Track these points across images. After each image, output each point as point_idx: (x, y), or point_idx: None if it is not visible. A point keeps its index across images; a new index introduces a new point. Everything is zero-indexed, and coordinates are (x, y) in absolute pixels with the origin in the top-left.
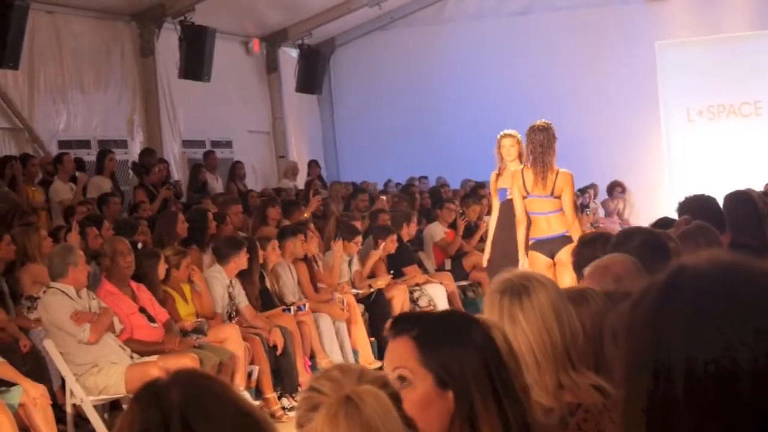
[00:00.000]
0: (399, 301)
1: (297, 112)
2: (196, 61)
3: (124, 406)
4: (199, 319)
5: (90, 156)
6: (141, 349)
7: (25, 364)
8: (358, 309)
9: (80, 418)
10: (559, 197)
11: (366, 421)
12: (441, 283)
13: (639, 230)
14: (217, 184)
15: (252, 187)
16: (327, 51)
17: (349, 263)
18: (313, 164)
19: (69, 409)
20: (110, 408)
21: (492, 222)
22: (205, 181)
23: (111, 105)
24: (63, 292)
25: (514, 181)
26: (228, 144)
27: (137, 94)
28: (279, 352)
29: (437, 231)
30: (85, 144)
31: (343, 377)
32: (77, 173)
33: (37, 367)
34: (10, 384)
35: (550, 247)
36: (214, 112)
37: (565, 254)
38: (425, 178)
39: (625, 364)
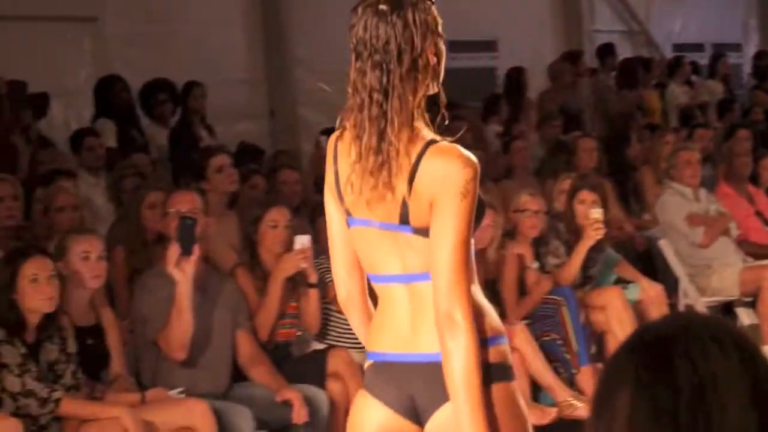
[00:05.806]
0: None
1: None
2: None
3: (736, 310)
4: None
5: (703, 60)
6: (753, 251)
7: (640, 262)
8: None
9: None
10: (421, 230)
11: None
12: None
13: None
14: None
15: None
16: None
17: None
18: None
19: (682, 309)
20: (722, 311)
21: None
22: None
23: (726, 7)
24: (680, 193)
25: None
26: None
27: None
28: None
29: None
30: (698, 47)
31: None
32: (692, 77)
33: (650, 267)
34: (627, 281)
35: (402, 383)
36: None
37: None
38: None
39: None
